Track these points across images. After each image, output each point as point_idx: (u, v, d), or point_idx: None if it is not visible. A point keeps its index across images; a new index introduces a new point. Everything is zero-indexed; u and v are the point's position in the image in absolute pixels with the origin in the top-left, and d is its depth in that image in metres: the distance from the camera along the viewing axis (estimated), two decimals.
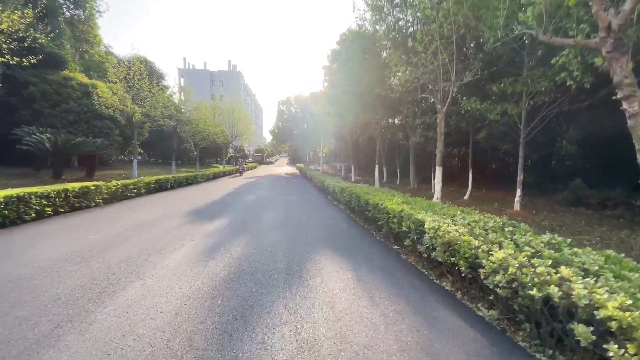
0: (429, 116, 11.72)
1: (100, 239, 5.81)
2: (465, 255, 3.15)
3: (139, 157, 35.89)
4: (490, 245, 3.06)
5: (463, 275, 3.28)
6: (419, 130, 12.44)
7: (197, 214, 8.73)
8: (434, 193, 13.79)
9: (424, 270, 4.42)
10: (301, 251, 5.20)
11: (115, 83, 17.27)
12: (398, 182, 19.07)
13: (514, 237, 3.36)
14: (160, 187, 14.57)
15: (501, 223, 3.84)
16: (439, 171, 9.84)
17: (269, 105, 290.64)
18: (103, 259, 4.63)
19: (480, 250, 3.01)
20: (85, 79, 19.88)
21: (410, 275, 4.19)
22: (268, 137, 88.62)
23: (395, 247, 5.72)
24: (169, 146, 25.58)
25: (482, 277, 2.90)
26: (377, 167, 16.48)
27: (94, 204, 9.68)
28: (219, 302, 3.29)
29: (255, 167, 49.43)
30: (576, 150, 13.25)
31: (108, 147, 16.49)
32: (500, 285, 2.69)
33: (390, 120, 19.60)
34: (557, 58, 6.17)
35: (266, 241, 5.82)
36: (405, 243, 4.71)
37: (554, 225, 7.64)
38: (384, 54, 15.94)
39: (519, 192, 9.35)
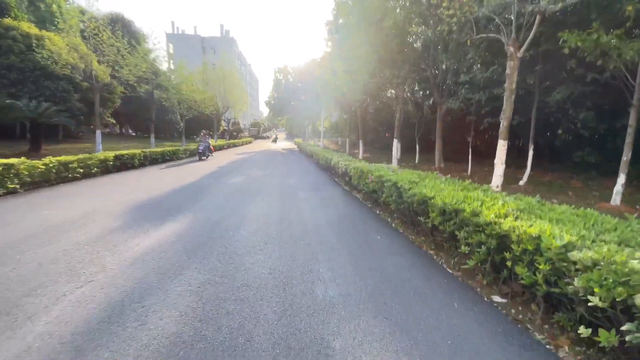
0: (480, 70, 8.49)
1: None
2: None
3: (122, 130, 32.37)
4: None
5: None
6: (462, 92, 9.22)
7: (148, 208, 5.78)
8: (468, 171, 10.87)
9: None
10: (314, 325, 2.30)
11: (67, 32, 13.54)
12: (417, 161, 16.01)
13: None
14: (123, 165, 11.50)
15: None
16: (502, 147, 6.81)
17: (265, 78, 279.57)
18: None
19: None
20: (32, 29, 15.99)
21: None
22: (265, 111, 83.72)
23: (499, 298, 2.87)
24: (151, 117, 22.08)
25: None
26: (395, 142, 13.30)
27: (4, 191, 6.71)
28: None
29: (250, 142, 46.04)
30: None
31: (59, 114, 13.12)
32: None
33: (409, 89, 16.22)
34: None
35: (242, 281, 2.91)
36: (581, 333, 1.78)
37: None
38: None
39: (622, 178, 6.33)
